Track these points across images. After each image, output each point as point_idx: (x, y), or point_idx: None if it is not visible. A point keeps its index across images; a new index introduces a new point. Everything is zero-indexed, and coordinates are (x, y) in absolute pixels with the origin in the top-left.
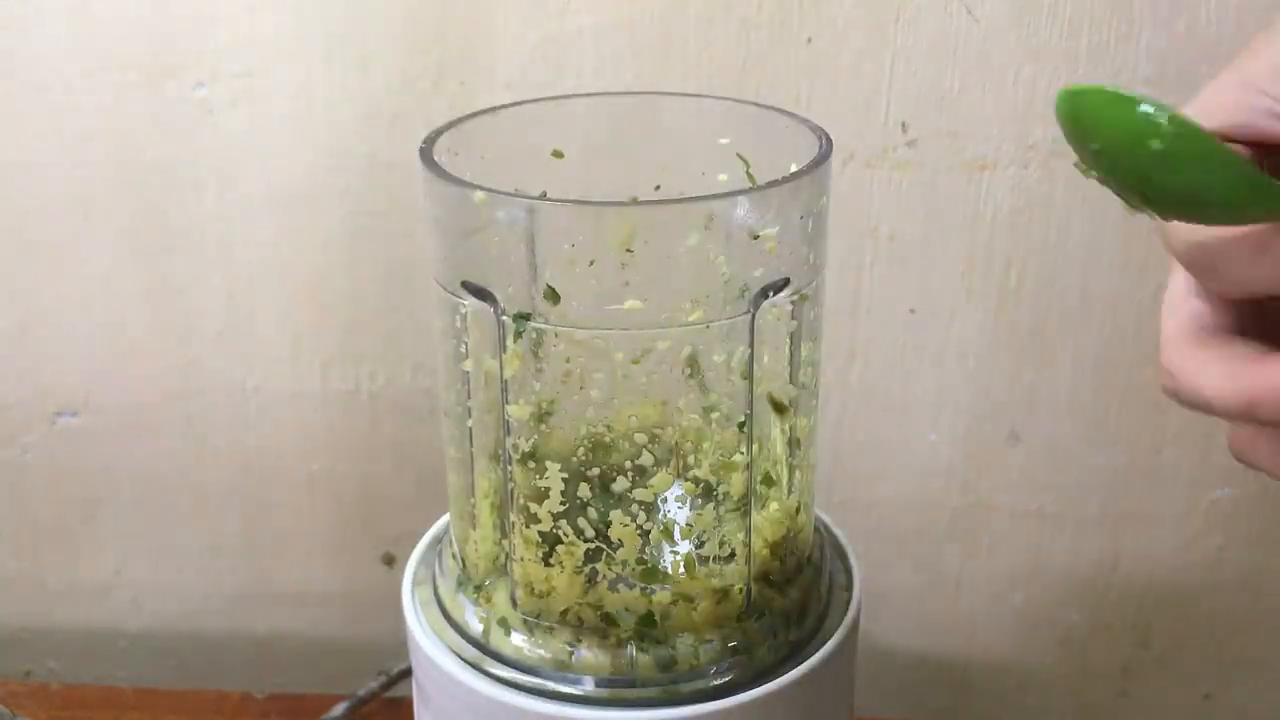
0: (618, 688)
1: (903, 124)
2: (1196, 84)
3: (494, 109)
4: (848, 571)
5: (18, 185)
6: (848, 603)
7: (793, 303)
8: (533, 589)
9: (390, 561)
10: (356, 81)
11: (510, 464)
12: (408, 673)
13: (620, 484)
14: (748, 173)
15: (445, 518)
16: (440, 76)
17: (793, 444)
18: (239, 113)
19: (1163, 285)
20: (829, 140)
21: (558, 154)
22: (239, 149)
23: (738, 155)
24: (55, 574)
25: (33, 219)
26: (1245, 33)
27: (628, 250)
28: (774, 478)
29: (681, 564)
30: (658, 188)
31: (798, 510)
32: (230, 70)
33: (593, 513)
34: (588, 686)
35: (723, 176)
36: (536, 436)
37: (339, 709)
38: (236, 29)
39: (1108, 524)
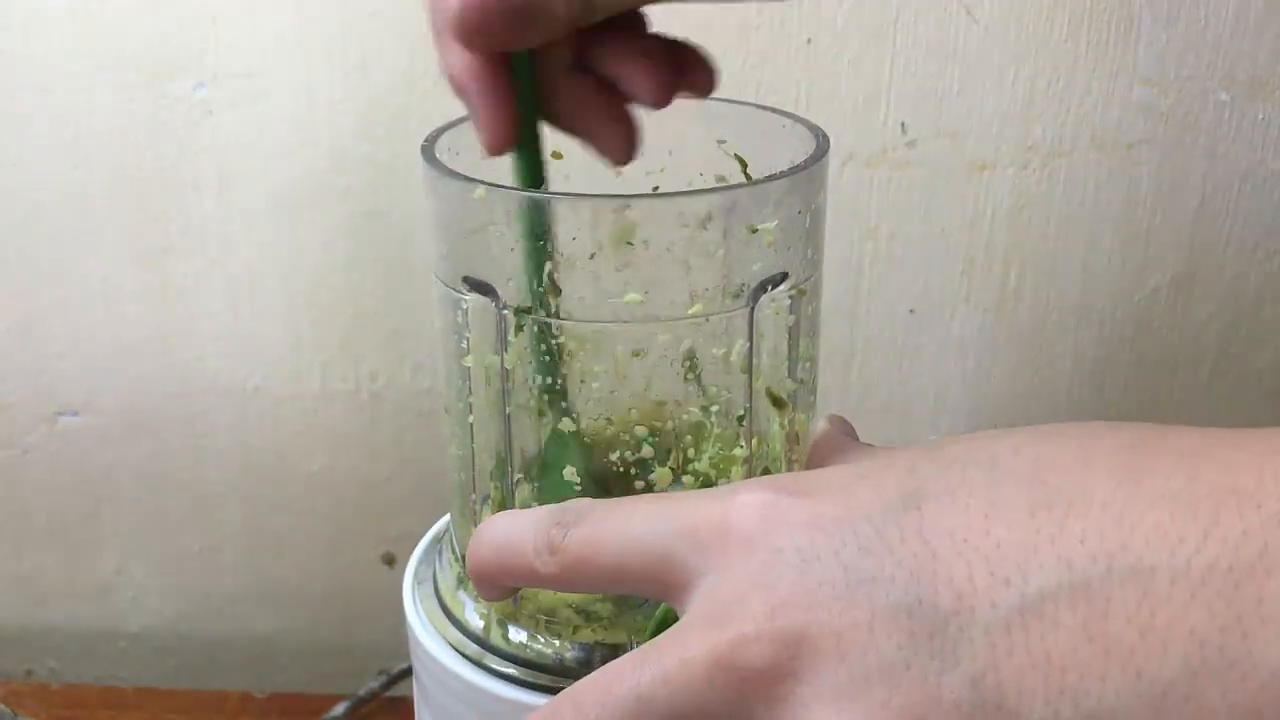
0: None
1: (902, 124)
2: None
3: None
4: None
5: (18, 185)
6: None
7: (791, 297)
8: None
9: (390, 561)
10: (356, 81)
11: (511, 459)
12: (408, 672)
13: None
14: (745, 173)
15: (446, 518)
16: (440, 76)
17: (791, 439)
18: (239, 113)
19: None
20: (826, 136)
21: (557, 155)
22: (239, 149)
23: (735, 156)
24: (55, 574)
25: (33, 219)
26: (1245, 33)
27: (627, 243)
28: (773, 473)
29: None
30: (656, 188)
31: None
32: (230, 70)
33: None
34: None
35: (721, 177)
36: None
37: (339, 709)
38: (236, 29)
39: None
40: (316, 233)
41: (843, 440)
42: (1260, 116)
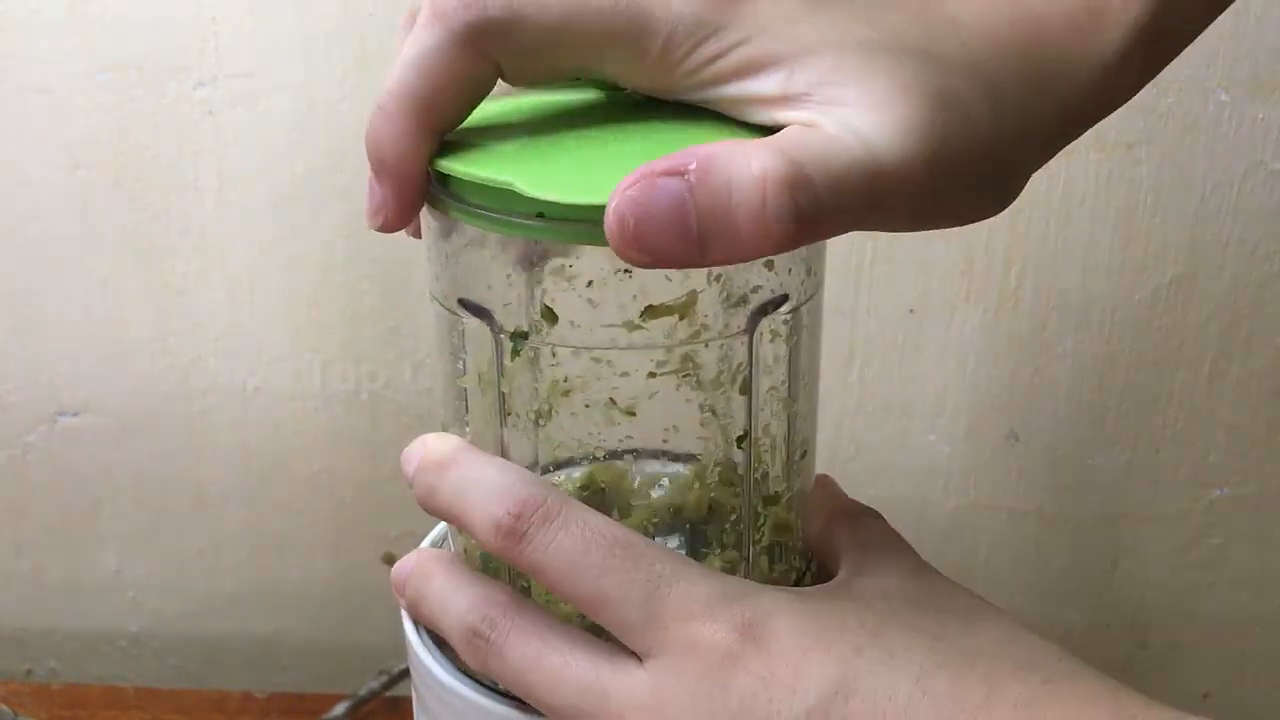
0: None
1: None
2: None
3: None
4: None
5: (18, 185)
6: None
7: (791, 319)
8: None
9: (390, 561)
10: (356, 81)
11: None
12: (408, 672)
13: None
14: None
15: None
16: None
17: (791, 456)
18: (239, 113)
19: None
20: None
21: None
22: (239, 149)
23: None
24: (56, 574)
25: (33, 219)
26: (1245, 33)
27: (625, 272)
28: (773, 491)
29: None
30: None
31: (796, 519)
32: (230, 70)
33: None
34: None
35: None
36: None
37: (339, 709)
38: (236, 29)
39: (1107, 524)
40: (316, 233)
41: (844, 506)
42: (1260, 116)
